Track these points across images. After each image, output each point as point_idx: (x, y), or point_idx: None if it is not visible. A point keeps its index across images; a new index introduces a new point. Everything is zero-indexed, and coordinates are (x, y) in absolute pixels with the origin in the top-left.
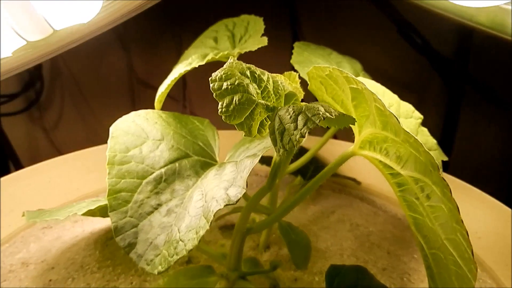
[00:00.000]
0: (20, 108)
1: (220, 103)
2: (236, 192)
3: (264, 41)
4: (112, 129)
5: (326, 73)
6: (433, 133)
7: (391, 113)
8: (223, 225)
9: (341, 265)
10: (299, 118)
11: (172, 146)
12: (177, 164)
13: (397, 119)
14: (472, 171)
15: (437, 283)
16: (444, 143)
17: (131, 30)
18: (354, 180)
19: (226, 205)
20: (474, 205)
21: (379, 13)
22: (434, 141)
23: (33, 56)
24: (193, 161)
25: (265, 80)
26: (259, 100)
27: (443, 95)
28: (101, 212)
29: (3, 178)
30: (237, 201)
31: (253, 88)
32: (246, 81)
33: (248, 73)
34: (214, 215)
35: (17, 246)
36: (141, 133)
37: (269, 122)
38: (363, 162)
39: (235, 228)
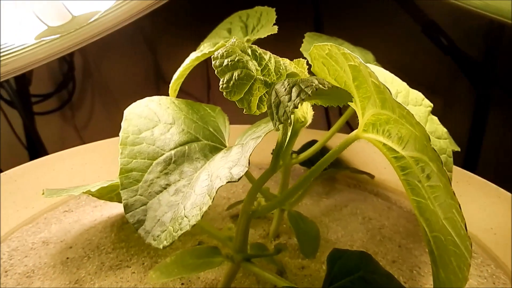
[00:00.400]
0: (53, 108)
1: (221, 80)
2: (239, 171)
3: (274, 29)
4: (126, 112)
5: (326, 51)
6: (460, 136)
7: (385, 86)
8: (236, 214)
9: (344, 249)
10: (293, 90)
11: (182, 130)
12: (186, 147)
13: (390, 92)
14: (500, 175)
15: (438, 266)
16: (472, 147)
17: (157, 30)
18: (368, 174)
19: (228, 182)
20: (491, 200)
21: (403, 12)
22: (444, 129)
23: (61, 47)
24: (203, 145)
25: (266, 59)
26: (257, 76)
27: (470, 98)
28: (118, 197)
29: (30, 163)
30: (239, 179)
31: (252, 65)
32: (246, 58)
33: (249, 51)
34: (216, 191)
35: (40, 226)
36: (153, 117)
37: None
38: (378, 157)
39: (241, 210)
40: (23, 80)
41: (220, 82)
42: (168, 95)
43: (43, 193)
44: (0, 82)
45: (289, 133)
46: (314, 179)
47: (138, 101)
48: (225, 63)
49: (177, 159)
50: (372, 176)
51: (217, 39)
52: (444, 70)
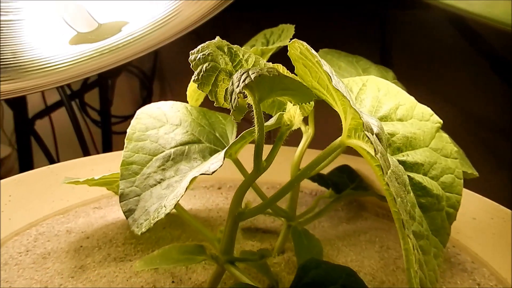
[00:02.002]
0: None
1: (194, 73)
2: (215, 165)
3: (285, 42)
4: (138, 111)
5: (299, 50)
6: None
7: (339, 90)
8: (247, 227)
9: (326, 261)
10: (243, 76)
11: (186, 131)
12: (186, 147)
13: (346, 95)
14: None
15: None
16: None
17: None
18: None
19: (202, 174)
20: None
21: (471, 48)
22: (455, 149)
23: (101, 64)
24: (203, 147)
25: (241, 56)
26: (222, 67)
27: None
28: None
29: (74, 160)
30: (213, 172)
31: (222, 59)
32: (219, 53)
33: (225, 49)
34: (190, 182)
35: (69, 218)
36: (162, 118)
37: None
38: None
39: (228, 212)
40: (106, 102)
41: (193, 76)
42: None
43: (64, 181)
44: (86, 103)
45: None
46: (336, 202)
47: (152, 103)
48: (198, 57)
49: (175, 157)
50: None
51: None
52: None
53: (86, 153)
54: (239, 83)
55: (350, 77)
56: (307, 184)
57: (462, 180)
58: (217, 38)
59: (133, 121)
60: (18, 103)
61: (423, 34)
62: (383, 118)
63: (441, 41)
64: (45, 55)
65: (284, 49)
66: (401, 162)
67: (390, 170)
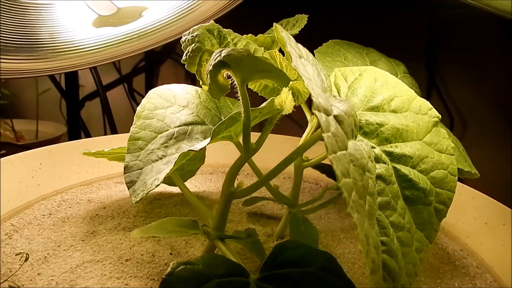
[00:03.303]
0: None
1: (184, 54)
2: (202, 144)
3: (296, 31)
4: (150, 91)
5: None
6: None
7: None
8: (253, 211)
9: (305, 244)
10: (216, 55)
11: (192, 113)
12: (190, 127)
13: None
14: None
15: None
16: None
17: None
18: None
19: (190, 150)
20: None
21: None
22: (452, 145)
23: (131, 49)
24: (206, 128)
25: (230, 40)
26: (206, 48)
27: None
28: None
29: (103, 137)
30: (200, 149)
31: (209, 41)
32: (206, 35)
33: (215, 32)
34: (178, 157)
35: (92, 189)
36: (170, 99)
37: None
38: None
39: (221, 191)
40: (151, 88)
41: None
42: None
43: (83, 153)
44: (134, 89)
45: (250, 113)
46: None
47: (164, 85)
48: (187, 38)
49: (178, 136)
50: None
51: None
52: None
53: None
54: (212, 61)
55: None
56: (318, 175)
57: (456, 177)
58: (211, 21)
59: (143, 100)
60: (69, 85)
61: (469, 31)
62: (374, 108)
63: (487, 39)
64: (79, 37)
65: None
66: (388, 153)
67: (341, 152)
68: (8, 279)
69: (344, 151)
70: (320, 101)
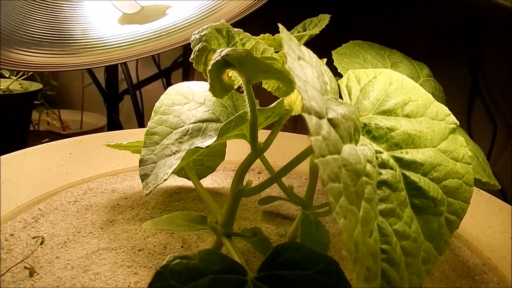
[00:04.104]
0: None
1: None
2: (209, 141)
3: (316, 31)
4: (169, 88)
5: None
6: None
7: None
8: (269, 211)
9: (309, 247)
10: (216, 55)
11: (208, 110)
12: (204, 124)
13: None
14: None
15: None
16: None
17: None
18: None
19: (197, 147)
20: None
21: None
22: (469, 153)
23: (159, 46)
24: (220, 126)
25: (237, 39)
26: (211, 47)
27: None
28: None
29: (132, 130)
30: (207, 147)
31: (215, 41)
32: (214, 35)
33: (224, 32)
34: (186, 153)
35: (116, 179)
36: (188, 95)
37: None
38: None
39: (230, 189)
40: None
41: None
42: None
43: (106, 144)
44: (171, 83)
45: (256, 112)
46: None
47: (184, 82)
48: (196, 37)
49: (192, 132)
50: None
51: None
52: None
53: None
54: (212, 61)
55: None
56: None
57: (472, 188)
58: (222, 21)
59: (162, 96)
60: (110, 79)
61: None
62: (386, 112)
63: None
64: (108, 34)
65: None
66: (397, 159)
67: (331, 156)
68: (24, 261)
69: (336, 155)
70: (312, 103)
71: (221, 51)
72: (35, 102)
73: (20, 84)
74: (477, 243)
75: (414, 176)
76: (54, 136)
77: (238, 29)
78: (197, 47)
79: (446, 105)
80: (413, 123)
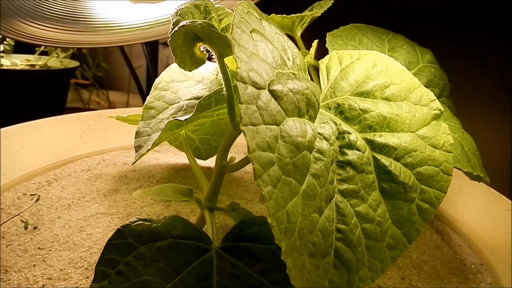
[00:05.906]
0: None
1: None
2: (184, 117)
3: (317, 13)
4: (170, 65)
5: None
6: None
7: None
8: None
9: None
10: (176, 26)
11: (204, 88)
12: (198, 101)
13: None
14: None
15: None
16: None
17: None
18: None
19: (175, 119)
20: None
21: None
22: (450, 141)
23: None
24: None
25: (214, 15)
26: (185, 21)
27: None
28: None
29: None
30: (184, 120)
31: (189, 15)
32: (189, 10)
33: (202, 7)
34: (166, 125)
35: (130, 153)
36: (187, 73)
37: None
38: (461, 193)
39: (214, 165)
40: None
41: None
42: None
43: (114, 117)
44: None
45: (231, 87)
46: None
47: None
48: (173, 12)
49: (186, 108)
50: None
51: None
52: None
53: None
54: (170, 31)
55: None
56: None
57: (450, 177)
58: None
59: (163, 73)
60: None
61: None
62: (363, 94)
63: None
64: (128, 15)
65: None
66: (369, 141)
67: (266, 126)
68: (20, 214)
69: (273, 126)
70: (250, 73)
71: (182, 23)
72: (85, 82)
73: (60, 61)
74: (478, 242)
75: (385, 160)
76: None
77: (220, 5)
78: (172, 22)
79: (449, 93)
80: (392, 107)
